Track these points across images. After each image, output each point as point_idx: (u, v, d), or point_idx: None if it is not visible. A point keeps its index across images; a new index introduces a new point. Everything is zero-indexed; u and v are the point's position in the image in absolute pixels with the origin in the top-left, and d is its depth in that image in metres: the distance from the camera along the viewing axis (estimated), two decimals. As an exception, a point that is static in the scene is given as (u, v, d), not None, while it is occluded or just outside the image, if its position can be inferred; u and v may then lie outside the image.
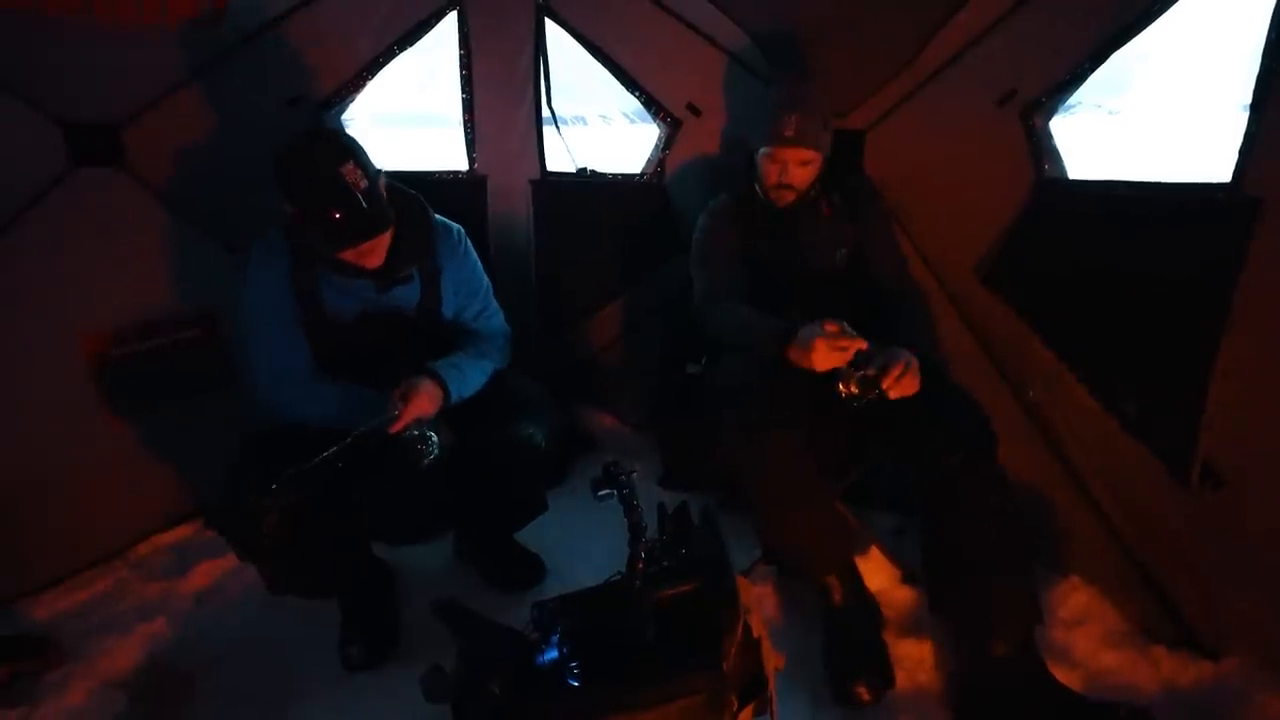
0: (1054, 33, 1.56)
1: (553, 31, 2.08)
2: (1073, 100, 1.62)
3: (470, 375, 1.52)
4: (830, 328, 1.35)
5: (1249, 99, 1.25)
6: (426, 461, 1.38)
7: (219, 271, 1.89)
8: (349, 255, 1.37)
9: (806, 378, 1.53)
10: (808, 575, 1.54)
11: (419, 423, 1.37)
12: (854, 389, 1.36)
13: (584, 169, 2.22)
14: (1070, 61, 1.54)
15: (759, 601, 1.58)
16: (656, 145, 2.18)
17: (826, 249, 1.70)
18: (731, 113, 2.06)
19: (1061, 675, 1.40)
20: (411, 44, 1.94)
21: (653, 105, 2.11)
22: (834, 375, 1.37)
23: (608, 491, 1.12)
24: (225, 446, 1.42)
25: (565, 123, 2.19)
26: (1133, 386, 1.50)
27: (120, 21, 1.59)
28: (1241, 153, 1.26)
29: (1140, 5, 1.41)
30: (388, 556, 1.72)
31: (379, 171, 1.38)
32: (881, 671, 1.40)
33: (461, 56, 1.99)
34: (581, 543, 1.86)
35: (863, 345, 1.35)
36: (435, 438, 1.39)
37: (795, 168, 1.61)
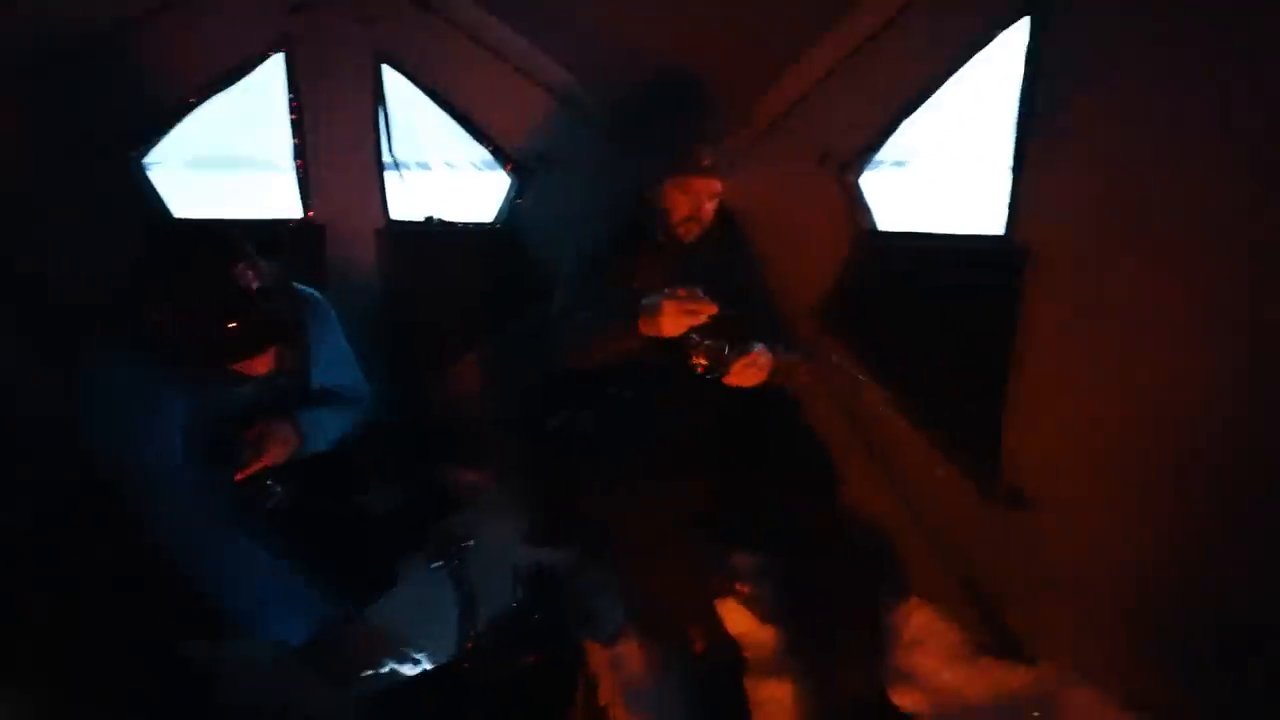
0: (858, 98, 1.74)
1: (393, 76, 2.02)
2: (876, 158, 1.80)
3: (328, 429, 1.42)
4: (682, 291, 1.31)
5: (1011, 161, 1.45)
6: (267, 507, 1.31)
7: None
8: (237, 366, 1.21)
9: (673, 425, 1.53)
10: (670, 626, 1.50)
11: (265, 469, 1.29)
12: (702, 360, 1.36)
13: (431, 218, 2.15)
14: (873, 124, 1.72)
15: (621, 662, 1.53)
16: (508, 195, 2.17)
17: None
18: (581, 163, 2.09)
19: (904, 695, 1.46)
20: (229, 85, 1.81)
21: (501, 155, 2.10)
22: (683, 345, 1.35)
23: (439, 564, 1.07)
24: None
25: (408, 168, 2.12)
26: (948, 415, 1.65)
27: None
28: (1010, 207, 1.45)
29: (926, 75, 1.59)
30: (208, 657, 1.48)
31: (277, 265, 1.23)
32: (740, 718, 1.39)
33: (291, 100, 1.87)
34: (440, 616, 1.72)
35: (714, 309, 1.32)
36: (278, 489, 1.33)
37: (707, 200, 1.54)
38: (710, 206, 1.58)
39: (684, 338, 1.34)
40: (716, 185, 1.56)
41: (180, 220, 1.22)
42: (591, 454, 1.50)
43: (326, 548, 1.39)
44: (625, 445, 1.46)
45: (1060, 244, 1.37)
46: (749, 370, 1.40)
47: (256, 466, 1.27)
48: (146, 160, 1.81)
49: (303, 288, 1.44)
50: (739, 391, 1.46)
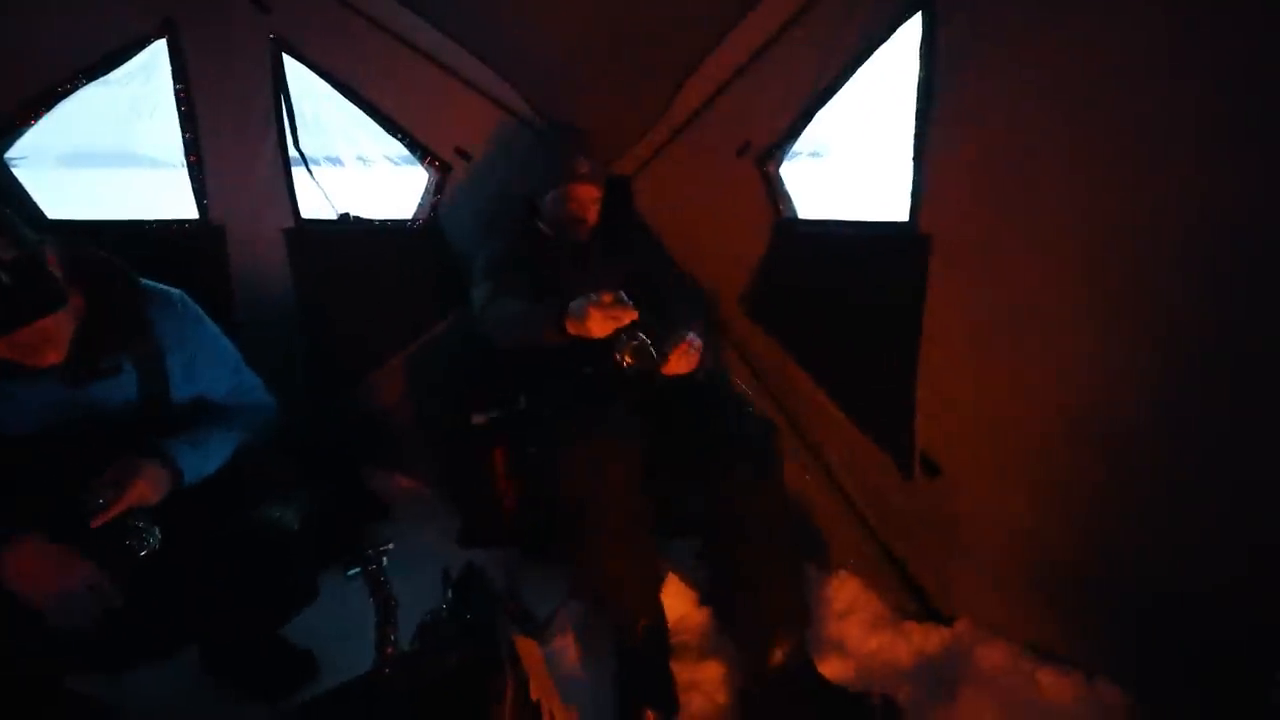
0: (774, 90, 1.78)
1: (296, 67, 1.91)
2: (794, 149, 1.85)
3: (213, 449, 1.29)
4: (606, 297, 1.40)
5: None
6: (138, 558, 1.14)
7: None
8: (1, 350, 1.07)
9: (610, 410, 1.53)
10: (619, 614, 1.50)
11: (133, 512, 1.14)
12: (629, 359, 1.44)
13: (346, 215, 2.06)
14: (789, 116, 1.77)
15: (556, 656, 1.53)
16: (427, 190, 2.11)
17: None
18: (502, 157, 2.05)
19: (835, 664, 1.53)
20: (102, 74, 1.65)
21: (418, 149, 2.04)
22: (611, 345, 1.44)
23: (355, 570, 1.03)
24: None
25: (317, 164, 2.02)
26: (865, 394, 1.72)
27: None
28: (912, 197, 1.52)
29: (833, 69, 1.64)
30: (105, 692, 1.37)
31: (40, 240, 1.10)
32: (667, 700, 1.41)
33: (178, 91, 1.73)
34: (368, 626, 1.66)
35: (634, 315, 1.41)
36: (156, 530, 1.15)
37: (590, 204, 1.74)
38: (594, 209, 1.78)
39: (612, 337, 1.42)
40: (595, 190, 1.77)
41: None
42: (564, 437, 1.49)
43: (226, 571, 1.29)
44: (601, 427, 1.47)
45: (957, 230, 1.45)
46: (685, 358, 1.51)
47: (116, 510, 1.12)
48: (9, 156, 1.64)
49: (153, 284, 1.30)
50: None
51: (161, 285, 1.30)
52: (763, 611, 1.41)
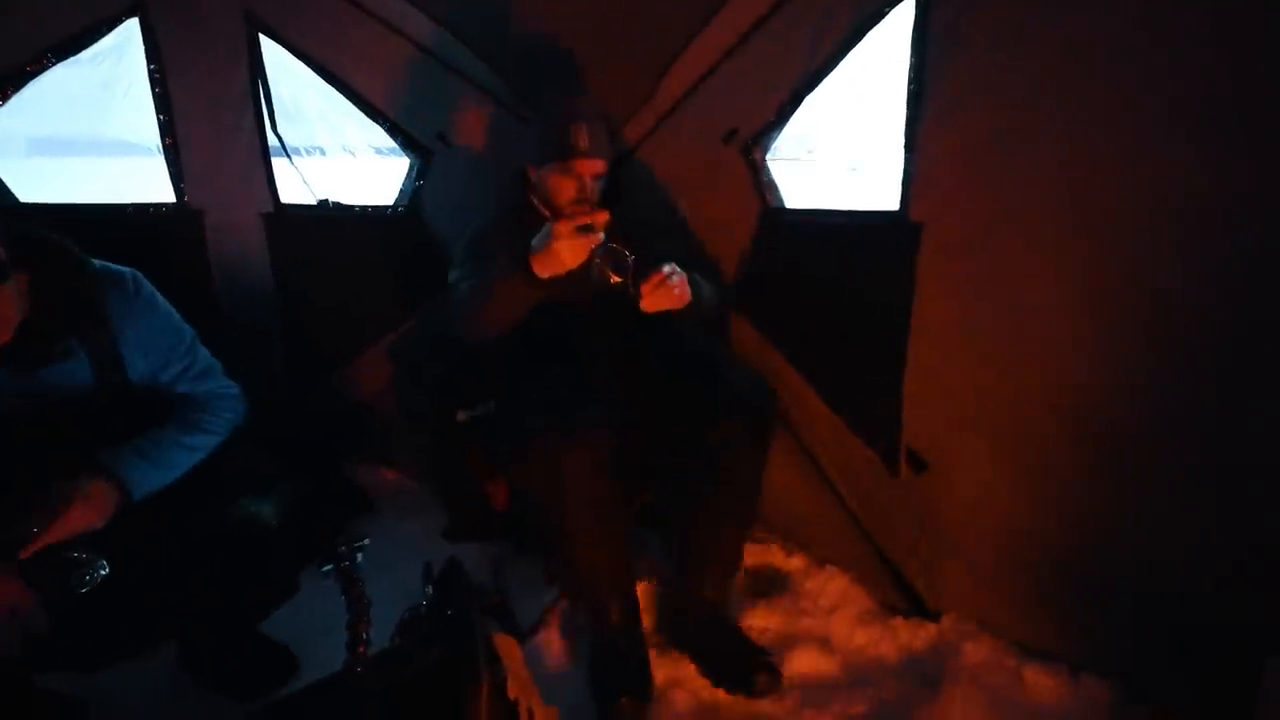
0: (762, 74, 1.74)
1: (273, 53, 1.86)
2: (777, 148, 1.81)
3: (169, 457, 1.23)
4: (565, 210, 1.27)
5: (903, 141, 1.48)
6: (81, 590, 1.06)
7: None
8: None
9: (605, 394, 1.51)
10: (591, 598, 1.48)
11: (76, 542, 1.08)
12: (609, 273, 1.26)
13: (326, 201, 2.02)
14: (777, 101, 1.73)
15: (538, 653, 1.51)
16: (408, 176, 2.07)
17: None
18: (483, 143, 2.01)
19: (822, 659, 1.53)
20: (73, 54, 1.60)
21: (399, 134, 2.00)
22: (591, 271, 1.27)
23: (328, 567, 1.00)
24: None
25: (299, 153, 1.97)
26: (851, 387, 1.69)
27: None
28: (903, 185, 1.48)
29: (823, 53, 1.60)
30: (80, 690, 1.34)
31: None
32: (641, 685, 1.41)
33: (152, 72, 1.69)
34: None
35: (605, 215, 1.25)
36: (101, 562, 1.08)
37: (591, 181, 1.53)
38: (595, 186, 1.56)
39: (589, 264, 1.27)
40: (599, 165, 1.54)
41: None
42: (531, 429, 1.43)
43: (203, 568, 1.26)
44: (568, 419, 1.40)
45: (950, 220, 1.42)
46: (661, 290, 1.32)
47: (46, 541, 1.05)
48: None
49: (106, 264, 1.24)
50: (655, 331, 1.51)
51: (114, 265, 1.25)
52: (705, 549, 1.52)
